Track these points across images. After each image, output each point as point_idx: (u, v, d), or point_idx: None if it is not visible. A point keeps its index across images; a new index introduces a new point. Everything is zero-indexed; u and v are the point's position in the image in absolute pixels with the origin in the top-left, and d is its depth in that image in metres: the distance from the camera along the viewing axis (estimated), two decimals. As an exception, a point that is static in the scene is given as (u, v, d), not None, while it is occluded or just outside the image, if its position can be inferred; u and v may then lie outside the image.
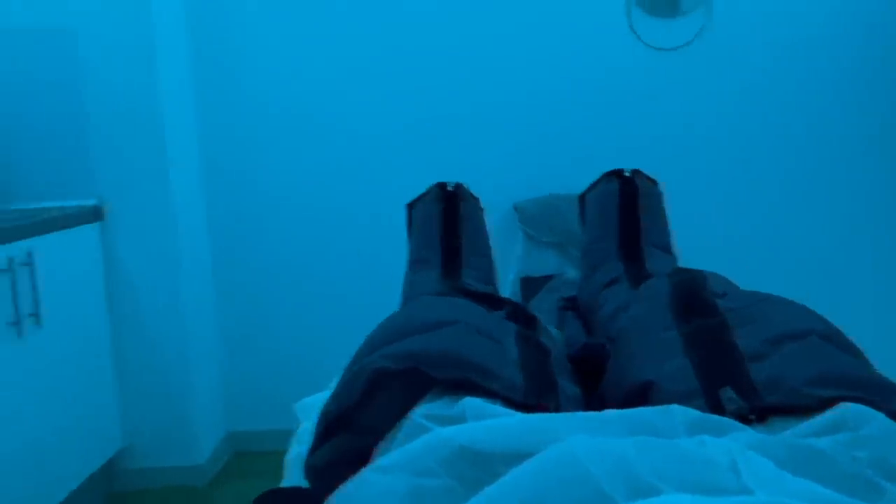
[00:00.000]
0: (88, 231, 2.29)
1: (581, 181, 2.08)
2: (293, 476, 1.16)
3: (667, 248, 1.60)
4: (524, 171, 2.54)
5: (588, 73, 2.52)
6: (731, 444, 0.74)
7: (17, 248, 1.95)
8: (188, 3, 2.50)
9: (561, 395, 0.99)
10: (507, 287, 2.33)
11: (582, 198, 1.75)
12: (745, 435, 0.80)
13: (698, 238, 2.07)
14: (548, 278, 2.35)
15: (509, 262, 2.48)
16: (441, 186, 1.77)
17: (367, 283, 2.55)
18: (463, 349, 0.96)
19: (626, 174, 1.65)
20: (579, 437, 0.70)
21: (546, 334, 1.20)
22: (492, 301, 1.24)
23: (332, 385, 1.27)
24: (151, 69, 2.30)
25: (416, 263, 1.69)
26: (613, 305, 1.35)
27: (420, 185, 1.95)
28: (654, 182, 1.69)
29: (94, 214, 2.31)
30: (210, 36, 2.53)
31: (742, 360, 0.95)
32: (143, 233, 2.35)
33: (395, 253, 2.04)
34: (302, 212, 2.59)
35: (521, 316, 1.19)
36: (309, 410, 1.26)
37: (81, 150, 2.32)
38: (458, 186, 1.79)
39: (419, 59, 2.52)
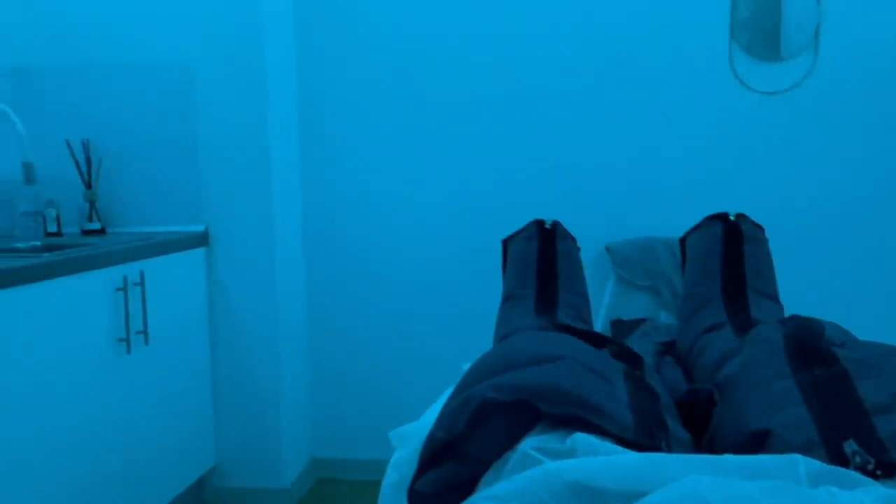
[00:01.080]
0: (195, 255, 2.40)
1: (677, 224, 2.06)
2: (390, 502, 1.17)
3: (773, 296, 1.56)
4: (618, 211, 2.52)
5: (688, 114, 2.49)
6: (863, 498, 0.71)
7: (131, 268, 2.06)
8: (299, 43, 2.62)
9: (671, 437, 0.97)
10: (596, 329, 2.30)
11: (683, 240, 1.72)
12: (875, 490, 0.76)
13: (804, 287, 2.00)
14: (639, 322, 2.30)
15: (599, 303, 2.45)
16: (539, 223, 1.78)
17: (458, 318, 2.57)
18: (573, 385, 0.96)
19: (731, 218, 1.62)
20: (703, 478, 0.68)
21: (652, 376, 1.18)
22: (595, 339, 1.23)
23: (428, 415, 1.29)
24: (261, 104, 2.42)
25: (510, 299, 1.70)
26: (718, 352, 1.32)
27: (514, 221, 1.97)
28: (760, 228, 1.65)
29: (200, 239, 2.42)
30: (317, 75, 2.64)
31: (866, 413, 0.91)
32: (245, 259, 2.44)
33: (488, 288, 2.06)
34: (396, 244, 2.65)
35: (627, 355, 1.18)
36: (405, 439, 1.27)
37: (192, 178, 2.44)
38: (556, 224, 1.80)
39: (518, 97, 2.55)
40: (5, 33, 2.41)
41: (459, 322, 2.56)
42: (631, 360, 1.16)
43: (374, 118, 2.63)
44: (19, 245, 2.15)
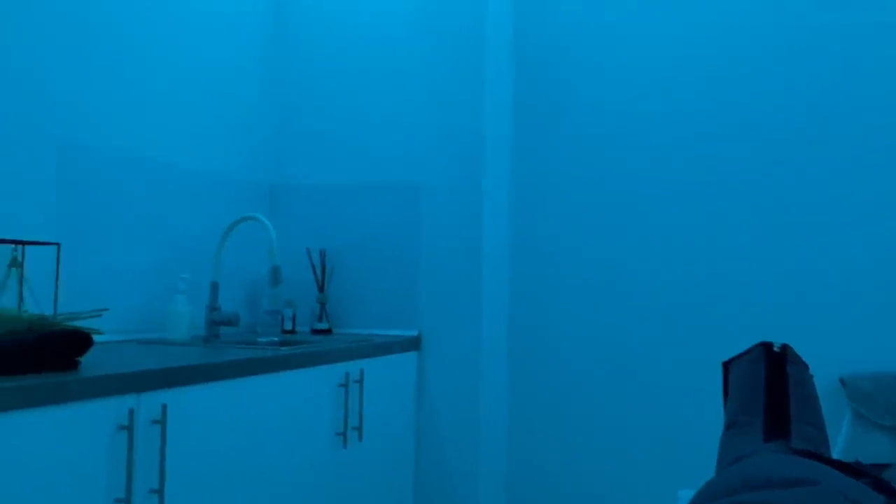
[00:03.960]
0: (408, 358, 2.52)
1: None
2: None
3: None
4: (856, 340, 2.29)
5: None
6: None
7: (353, 366, 2.21)
8: (515, 168, 2.77)
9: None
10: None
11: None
12: None
13: None
14: (881, 467, 2.03)
15: (832, 443, 2.20)
16: (766, 346, 1.67)
17: (670, 440, 2.43)
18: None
19: None
20: None
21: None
22: (847, 468, 1.10)
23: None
24: (477, 218, 2.56)
25: (734, 426, 1.58)
26: None
27: (736, 342, 1.86)
28: None
29: (413, 343, 2.55)
30: (530, 187, 2.75)
31: None
32: (451, 364, 2.53)
33: (705, 409, 1.94)
34: (603, 355, 2.60)
35: (887, 489, 1.04)
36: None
37: (409, 286, 2.61)
38: (786, 347, 1.67)
39: (751, 207, 2.47)
40: (266, 155, 2.80)
41: (671, 445, 2.42)
42: (893, 494, 1.02)
43: (586, 226, 2.67)
44: (261, 339, 2.40)
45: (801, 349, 1.86)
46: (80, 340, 1.42)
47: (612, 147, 2.65)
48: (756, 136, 2.48)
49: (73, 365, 1.44)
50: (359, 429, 2.20)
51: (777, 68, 2.46)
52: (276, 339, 2.44)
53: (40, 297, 1.83)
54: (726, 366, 1.76)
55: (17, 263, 1.75)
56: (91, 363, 1.51)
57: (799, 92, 2.44)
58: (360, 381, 2.22)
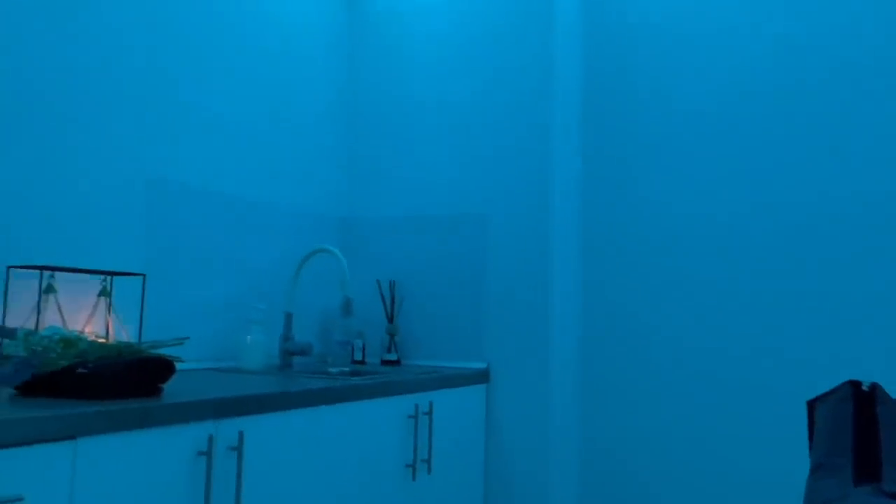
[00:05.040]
0: (476, 391, 2.51)
1: None
2: None
3: None
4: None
5: None
6: None
7: (422, 398, 2.22)
8: (584, 197, 2.76)
9: None
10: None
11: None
12: None
13: None
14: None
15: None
16: (854, 385, 1.59)
17: (750, 485, 2.33)
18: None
19: None
20: None
21: None
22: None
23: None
24: (546, 252, 2.55)
25: (821, 469, 1.51)
26: None
27: (822, 380, 1.79)
28: None
29: (482, 376, 2.54)
30: (597, 226, 2.73)
31: None
32: (521, 398, 2.50)
33: (788, 452, 1.86)
34: (677, 393, 2.53)
35: None
36: None
37: (477, 318, 2.61)
38: (875, 387, 1.59)
39: (845, 238, 2.39)
40: (337, 189, 2.87)
41: (752, 487, 2.32)
42: None
43: (659, 254, 2.62)
44: (332, 369, 2.44)
45: (892, 389, 1.77)
46: (163, 367, 1.47)
47: (685, 178, 2.61)
48: (852, 159, 2.40)
49: (156, 391, 1.49)
50: (428, 461, 2.19)
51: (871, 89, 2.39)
52: (346, 369, 2.47)
53: (126, 325, 1.91)
54: (811, 405, 1.68)
55: (106, 293, 1.83)
56: (173, 390, 1.56)
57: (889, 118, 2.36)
58: (430, 414, 2.23)
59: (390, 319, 2.68)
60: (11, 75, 1.76)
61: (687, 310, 2.56)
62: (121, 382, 1.39)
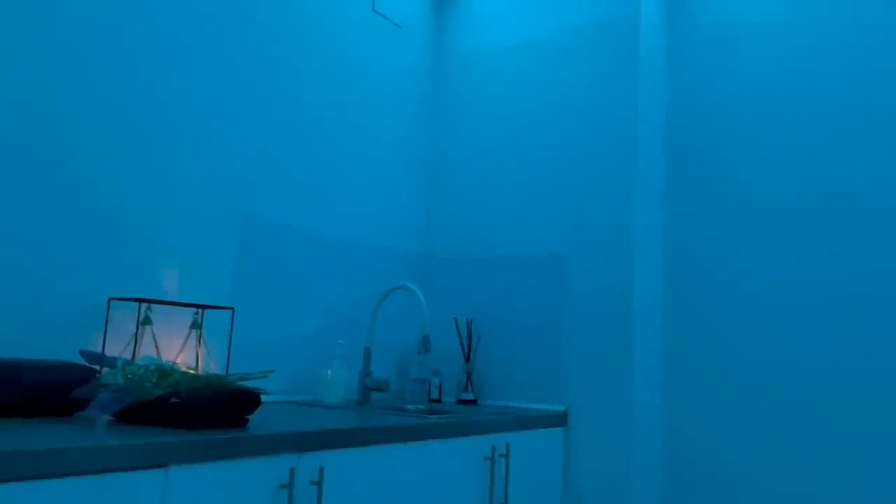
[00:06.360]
0: (554, 434, 2.47)
1: None
2: None
3: None
4: None
5: None
6: None
7: (499, 440, 2.19)
8: (666, 237, 2.71)
9: None
10: None
11: None
12: None
13: None
14: None
15: None
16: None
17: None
18: None
19: None
20: None
21: None
22: None
23: None
24: (628, 293, 2.50)
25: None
26: None
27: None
28: None
29: (560, 419, 2.49)
30: (679, 267, 2.67)
31: None
32: (600, 443, 2.44)
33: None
34: (765, 440, 2.41)
35: None
36: None
37: (555, 359, 2.57)
38: None
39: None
40: (417, 227, 2.91)
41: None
42: None
43: (743, 295, 2.53)
44: (409, 406, 2.45)
45: None
46: (251, 400, 1.52)
47: (768, 224, 2.53)
48: (940, 209, 2.27)
49: (243, 423, 1.53)
50: (504, 504, 2.16)
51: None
52: (423, 407, 2.47)
53: (213, 356, 1.98)
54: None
55: (197, 325, 1.91)
56: (257, 421, 1.60)
57: None
58: (507, 456, 2.20)
59: (467, 358, 2.68)
60: (117, 125, 1.88)
61: (773, 355, 2.46)
62: (211, 413, 1.43)
